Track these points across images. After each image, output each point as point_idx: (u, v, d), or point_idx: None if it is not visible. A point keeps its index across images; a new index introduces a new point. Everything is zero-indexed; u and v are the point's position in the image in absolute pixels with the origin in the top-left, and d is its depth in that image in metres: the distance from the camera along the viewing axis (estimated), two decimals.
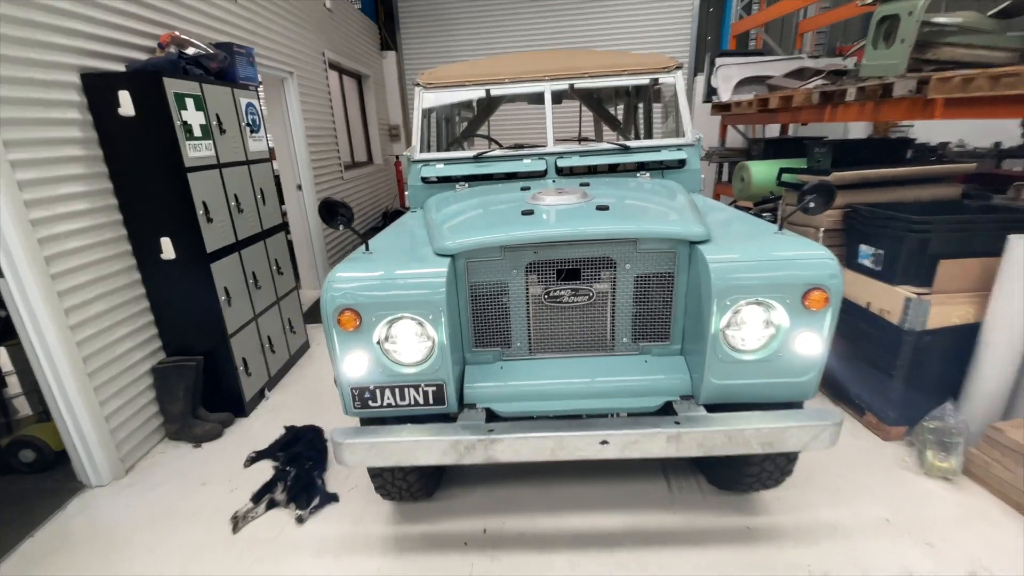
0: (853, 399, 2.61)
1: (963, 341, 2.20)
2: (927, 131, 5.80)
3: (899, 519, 1.92)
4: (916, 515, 1.94)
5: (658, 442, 1.49)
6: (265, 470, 2.36)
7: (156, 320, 2.61)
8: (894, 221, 2.28)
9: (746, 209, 4.24)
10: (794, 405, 1.66)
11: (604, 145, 2.51)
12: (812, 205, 1.58)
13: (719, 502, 2.03)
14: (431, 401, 1.58)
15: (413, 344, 1.55)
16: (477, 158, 2.49)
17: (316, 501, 2.10)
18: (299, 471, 2.22)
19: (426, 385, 1.57)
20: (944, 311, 2.17)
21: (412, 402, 1.59)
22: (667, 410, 1.65)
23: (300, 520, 2.03)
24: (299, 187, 4.62)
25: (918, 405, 2.28)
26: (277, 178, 6.04)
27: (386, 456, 1.54)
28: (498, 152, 2.51)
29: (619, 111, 3.95)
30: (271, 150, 3.41)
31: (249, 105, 2.97)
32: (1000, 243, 2.07)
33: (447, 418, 1.64)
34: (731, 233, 1.68)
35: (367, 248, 1.70)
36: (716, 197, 6.02)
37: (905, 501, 2.00)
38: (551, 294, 1.68)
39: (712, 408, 1.62)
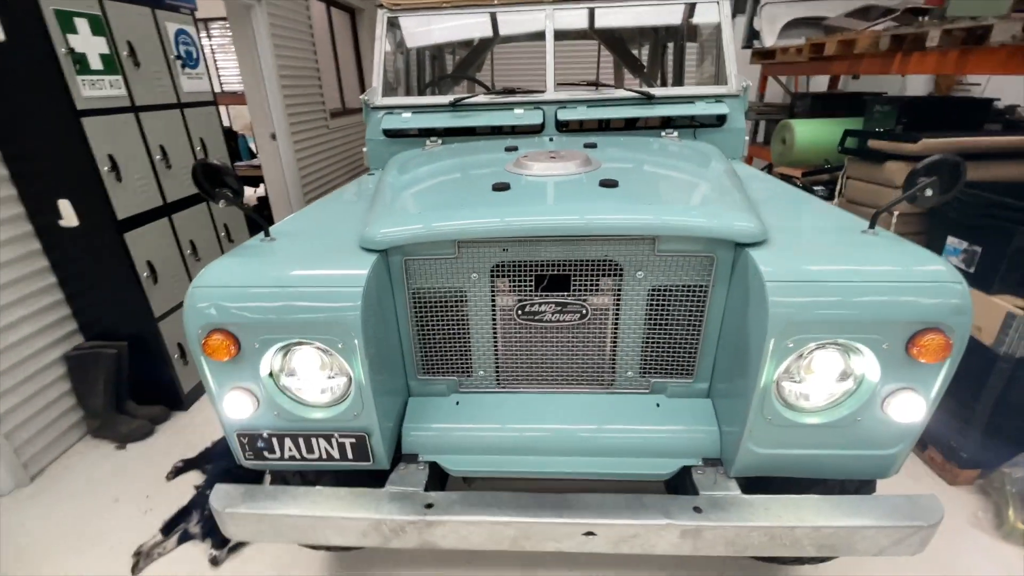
0: None
1: None
2: (991, 91, 4.97)
3: None
4: None
5: (667, 538, 1.03)
6: (190, 485, 1.97)
7: (68, 299, 2.17)
8: (1002, 209, 1.70)
9: (789, 179, 3.61)
10: (865, 483, 1.18)
11: (620, 93, 1.92)
12: (930, 192, 1.03)
13: (746, 565, 1.59)
14: (349, 456, 1.13)
15: (319, 380, 1.07)
16: (454, 105, 1.92)
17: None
18: None
19: (342, 436, 1.10)
20: None
21: (324, 456, 1.13)
22: (683, 479, 1.18)
23: (214, 562, 1.64)
24: (273, 136, 4.06)
25: (1000, 446, 1.79)
26: (228, 131, 5.40)
27: (282, 533, 1.10)
28: (481, 98, 1.94)
29: (645, 55, 3.27)
30: (231, 93, 2.88)
31: (181, 33, 2.40)
32: None
33: (377, 475, 1.19)
34: (795, 228, 1.14)
35: (266, 234, 1.19)
36: (749, 160, 5.31)
37: (968, 566, 1.55)
38: (527, 309, 1.18)
39: (748, 482, 1.14)
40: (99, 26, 1.95)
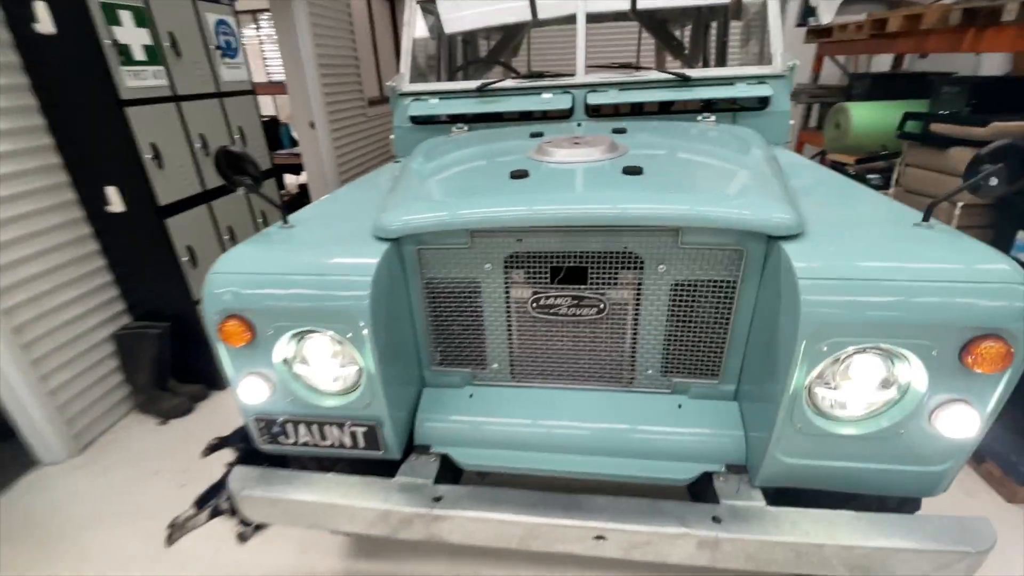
0: None
1: None
2: None
3: None
4: None
5: (683, 547, 0.98)
6: (222, 463, 2.06)
7: (117, 281, 2.29)
8: None
9: (842, 167, 3.37)
10: (907, 500, 1.08)
11: (653, 75, 1.82)
12: (995, 181, 0.91)
13: None
14: (361, 444, 1.13)
15: (331, 368, 1.07)
16: (481, 91, 1.88)
17: None
18: None
19: (353, 424, 1.10)
20: None
21: (336, 443, 1.14)
22: (704, 486, 1.11)
23: (242, 538, 1.70)
24: (312, 125, 4.15)
25: None
26: (273, 120, 5.54)
27: (294, 518, 1.12)
28: (508, 83, 1.89)
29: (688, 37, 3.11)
30: (278, 83, 2.94)
31: (221, 23, 2.46)
32: None
33: (390, 463, 1.18)
34: (838, 220, 1.04)
35: (285, 221, 1.20)
36: (800, 146, 5.01)
37: None
38: (542, 302, 1.14)
39: (776, 493, 1.07)
40: (142, 18, 2.02)
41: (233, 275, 1.02)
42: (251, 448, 1.99)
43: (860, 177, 2.87)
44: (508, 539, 1.03)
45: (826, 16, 4.40)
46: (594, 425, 1.17)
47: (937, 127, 2.01)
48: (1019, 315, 0.81)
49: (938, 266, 0.85)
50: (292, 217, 1.26)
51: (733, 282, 1.05)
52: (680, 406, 1.17)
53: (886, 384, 0.91)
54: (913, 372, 0.88)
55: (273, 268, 1.01)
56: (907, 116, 2.26)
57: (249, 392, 1.08)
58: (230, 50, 2.52)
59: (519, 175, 1.15)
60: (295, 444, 1.16)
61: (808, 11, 4.64)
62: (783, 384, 0.91)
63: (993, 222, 1.85)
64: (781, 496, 1.06)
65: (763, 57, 1.87)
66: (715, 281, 1.06)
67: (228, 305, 1.01)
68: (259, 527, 1.74)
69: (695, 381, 1.17)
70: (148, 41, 2.05)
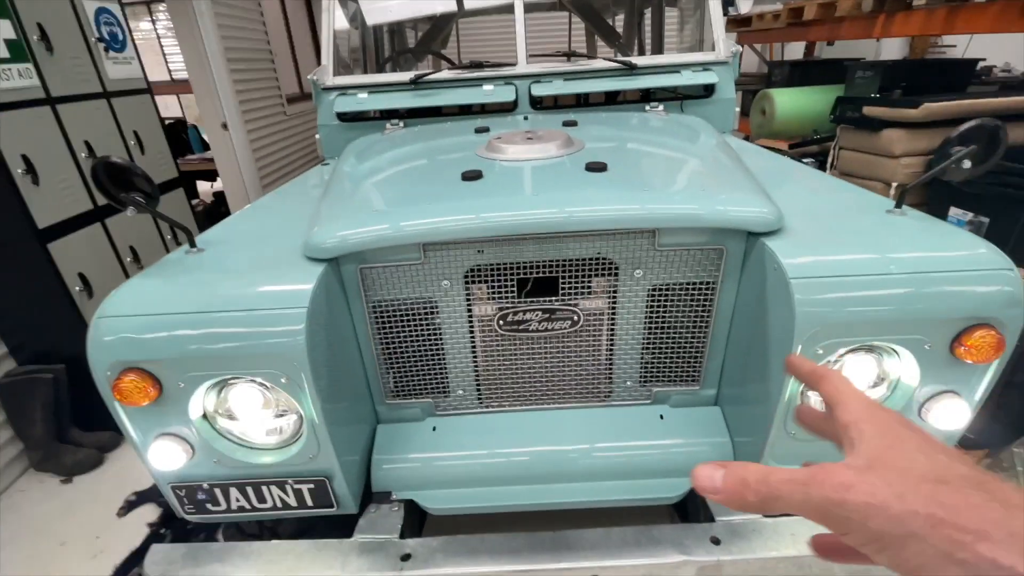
0: None
1: None
2: (966, 53, 4.94)
3: None
4: None
5: None
6: (144, 522, 1.78)
7: None
8: (1012, 176, 1.59)
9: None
10: None
11: (599, 64, 1.74)
12: (968, 164, 0.89)
13: None
14: (309, 503, 0.96)
15: (264, 420, 0.90)
16: (415, 83, 1.72)
17: None
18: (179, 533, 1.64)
19: (297, 482, 0.93)
20: None
21: (279, 504, 0.96)
22: (695, 500, 1.04)
23: None
24: (224, 126, 3.76)
25: (1008, 427, 1.72)
26: (179, 122, 5.05)
27: None
28: (445, 74, 1.74)
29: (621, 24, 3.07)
30: (182, 82, 2.60)
31: (103, 12, 2.12)
32: None
33: (346, 518, 1.02)
34: (810, 211, 0.99)
35: (192, 244, 0.99)
36: None
37: None
38: (509, 318, 1.01)
39: None
40: (2, 7, 1.68)
41: (127, 318, 0.82)
42: None
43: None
44: None
45: (744, 6, 4.55)
46: (573, 447, 1.06)
47: (870, 110, 2.07)
48: (1008, 302, 0.78)
49: (927, 255, 0.81)
50: (202, 238, 1.05)
51: (712, 283, 0.98)
52: (662, 416, 1.09)
53: (878, 381, 0.87)
54: (904, 367, 0.85)
55: (179, 306, 0.82)
56: (839, 101, 2.34)
57: (162, 458, 0.88)
58: (116, 43, 2.18)
59: (472, 176, 1.02)
60: (227, 511, 0.97)
61: (728, 0, 4.78)
62: (777, 391, 0.84)
63: (926, 200, 1.94)
64: None
65: (704, 44, 1.83)
66: (694, 283, 0.98)
67: (123, 356, 0.81)
68: None
69: (676, 388, 1.10)
70: (11, 34, 1.70)
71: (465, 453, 1.07)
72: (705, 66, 1.74)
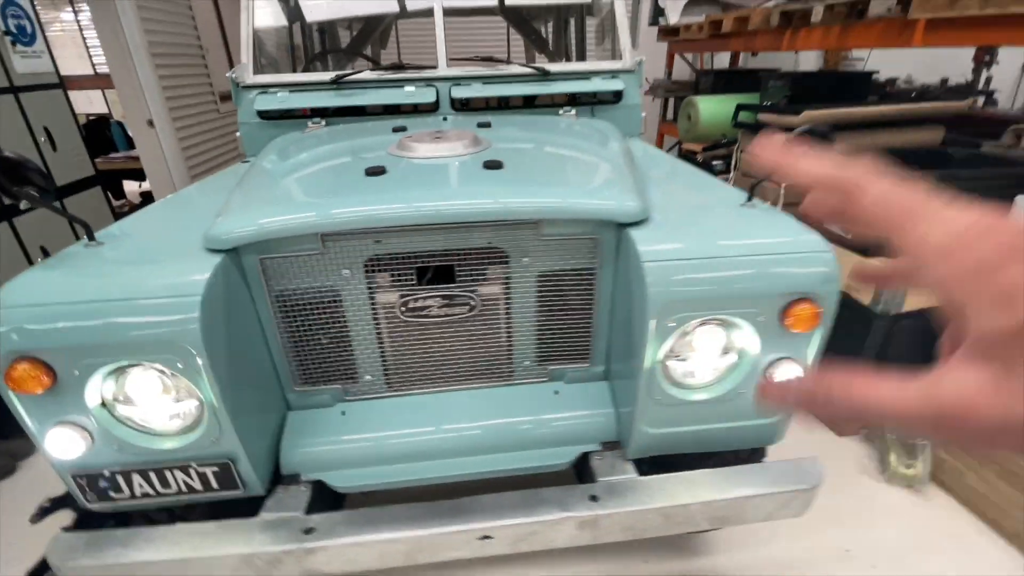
0: None
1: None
2: (874, 66, 5.43)
3: (862, 549, 1.59)
4: (879, 540, 1.61)
5: (565, 531, 1.00)
6: (58, 527, 1.72)
7: None
8: None
9: (692, 155, 3.72)
10: (756, 450, 1.21)
11: (515, 68, 1.84)
12: None
13: (653, 542, 1.62)
14: (214, 486, 0.99)
15: (164, 406, 0.93)
16: (336, 82, 1.76)
17: None
18: None
19: (201, 465, 0.97)
20: (927, 290, 1.77)
21: (183, 488, 0.99)
22: (585, 465, 1.15)
23: None
24: (150, 123, 3.62)
25: None
26: (102, 118, 4.87)
27: None
28: (367, 74, 1.79)
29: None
30: (106, 75, 2.49)
31: (9, 4, 2.03)
32: (1000, 204, 1.64)
33: (252, 502, 1.06)
34: (678, 205, 1.13)
35: (91, 237, 1.01)
36: (660, 138, 5.45)
37: (866, 522, 1.67)
38: (411, 305, 1.09)
39: (647, 463, 1.13)
40: None
41: (18, 309, 0.83)
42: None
43: (706, 163, 3.18)
44: (393, 558, 0.98)
45: (673, 16, 4.81)
46: (477, 424, 1.15)
47: (763, 117, 2.28)
48: (823, 279, 0.93)
49: (760, 241, 0.95)
50: (104, 232, 1.07)
51: (592, 269, 1.09)
52: (557, 392, 1.20)
53: (727, 351, 1.01)
54: (747, 338, 0.98)
55: (71, 296, 0.84)
56: (739, 107, 2.55)
57: (60, 446, 0.90)
58: (24, 36, 2.10)
59: (375, 172, 1.09)
60: (131, 497, 0.99)
61: (659, 11, 5.04)
62: (640, 361, 0.96)
63: None
64: (651, 462, 1.13)
65: (615, 53, 1.97)
66: (576, 269, 1.09)
67: (15, 346, 0.82)
68: None
69: (569, 366, 1.21)
70: None
71: (373, 435, 1.13)
72: (613, 74, 1.87)
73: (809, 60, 5.98)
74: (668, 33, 4.82)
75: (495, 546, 0.99)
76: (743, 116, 2.54)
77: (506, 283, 1.09)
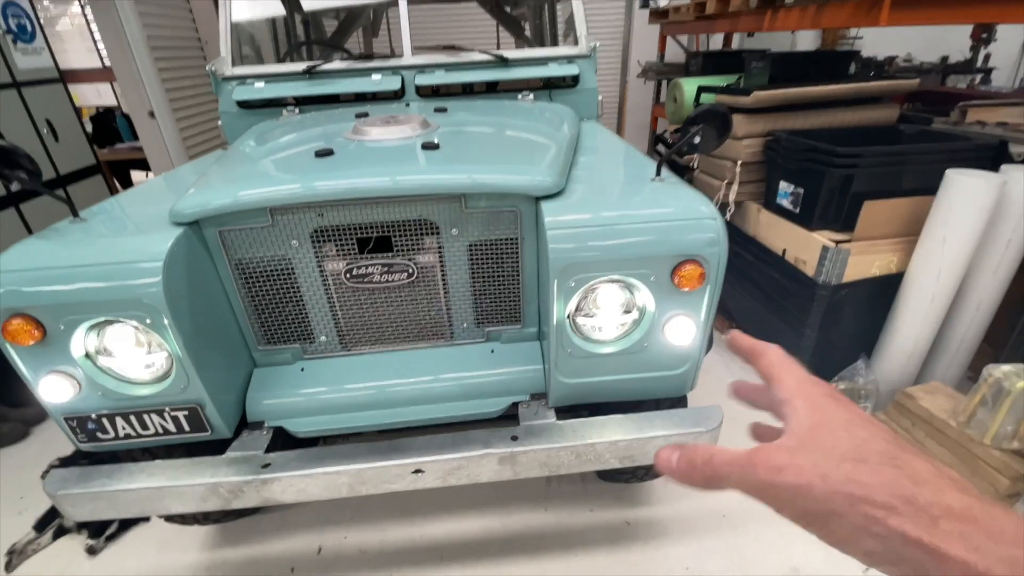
0: None
1: (885, 293, 1.93)
2: (874, 44, 5.39)
3: None
4: None
5: (488, 466, 1.14)
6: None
7: None
8: (814, 152, 1.90)
9: (662, 137, 3.77)
10: (676, 402, 1.34)
11: (475, 56, 1.95)
12: (698, 139, 1.15)
13: (599, 493, 1.77)
14: (186, 428, 1.15)
15: (139, 357, 1.09)
16: (308, 73, 1.89)
17: (115, 526, 1.70)
18: None
19: (173, 409, 1.13)
20: (864, 261, 1.87)
21: (160, 430, 1.16)
22: (515, 415, 1.29)
23: (92, 551, 1.64)
24: (151, 114, 3.79)
25: (829, 365, 2.05)
26: (108, 110, 5.03)
27: (123, 508, 1.13)
28: (337, 64, 1.92)
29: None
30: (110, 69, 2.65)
31: (10, 5, 2.19)
32: (937, 179, 1.73)
33: (222, 444, 1.22)
34: (596, 182, 1.25)
35: (75, 215, 1.17)
36: (654, 121, 5.50)
37: None
38: (355, 272, 1.23)
39: (572, 409, 1.27)
40: None
41: (11, 272, 0.99)
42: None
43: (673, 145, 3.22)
44: (338, 488, 1.14)
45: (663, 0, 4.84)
46: (420, 379, 1.29)
47: (720, 98, 2.36)
48: (708, 243, 1.04)
49: (653, 211, 1.07)
50: (87, 211, 1.22)
51: (515, 239, 1.22)
52: (492, 351, 1.33)
53: (629, 308, 1.13)
54: (644, 297, 1.10)
55: (55, 261, 1.00)
56: (700, 89, 2.62)
57: (52, 392, 1.06)
58: (25, 34, 2.25)
59: (324, 153, 1.22)
60: (115, 438, 1.16)
61: None
62: (551, 317, 1.09)
63: (766, 176, 2.25)
64: (575, 414, 1.26)
65: (574, 38, 2.07)
66: (501, 240, 1.22)
67: (8, 303, 0.98)
68: (111, 537, 1.68)
69: (503, 328, 1.34)
70: None
71: (328, 388, 1.28)
72: (570, 59, 1.97)
73: (807, 40, 5.94)
74: (659, 16, 4.84)
75: (426, 479, 1.14)
76: (704, 98, 2.61)
77: (439, 252, 1.23)
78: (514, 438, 1.15)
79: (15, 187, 1.06)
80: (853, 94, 2.20)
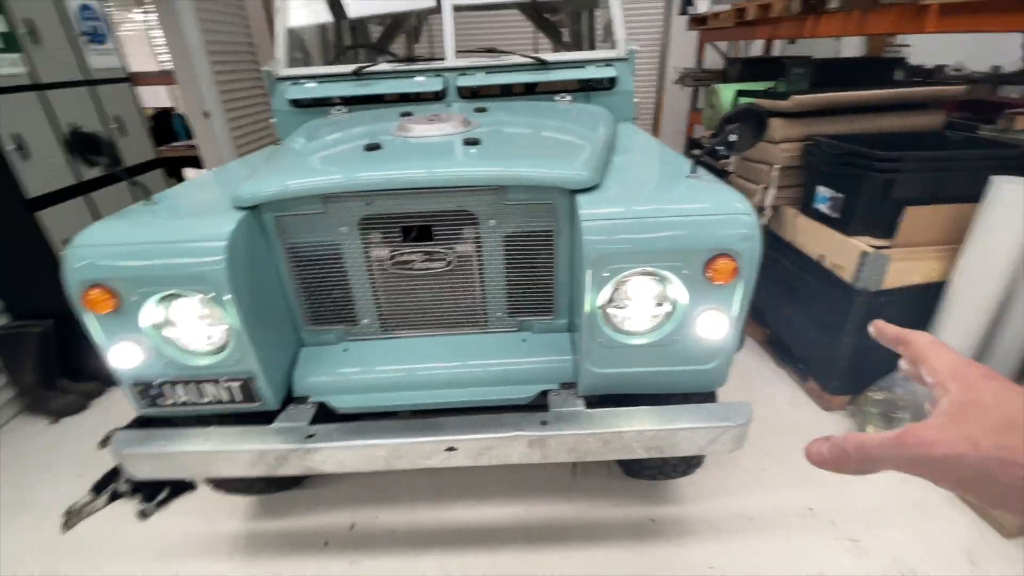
0: (797, 363, 2.34)
1: (926, 301, 1.88)
2: (921, 53, 5.21)
3: (825, 508, 1.69)
4: (845, 504, 1.71)
5: (518, 447, 1.18)
6: None
7: None
8: (854, 157, 1.88)
9: (697, 142, 3.76)
10: (706, 397, 1.35)
11: (515, 59, 2.01)
12: (734, 138, 1.17)
13: (625, 489, 1.78)
14: (238, 398, 1.24)
15: (200, 329, 1.18)
16: (357, 74, 1.99)
17: (165, 492, 1.82)
18: None
19: (228, 380, 1.21)
20: (905, 268, 1.83)
21: (214, 399, 1.24)
22: (543, 402, 1.33)
23: (143, 515, 1.75)
24: (206, 114, 4.02)
25: (867, 373, 2.01)
26: (165, 111, 5.31)
27: (179, 468, 1.22)
28: (383, 66, 2.01)
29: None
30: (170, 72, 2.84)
31: (85, 8, 2.38)
32: (981, 186, 1.69)
33: (269, 416, 1.30)
34: (632, 178, 1.28)
35: (149, 198, 1.27)
36: (690, 127, 5.47)
37: (836, 486, 1.77)
38: (397, 259, 1.30)
39: (601, 400, 1.30)
40: None
41: (93, 247, 1.10)
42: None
43: (711, 150, 3.21)
44: (375, 462, 1.20)
45: (702, 5, 4.82)
46: (454, 363, 1.34)
47: (760, 102, 2.35)
48: (742, 238, 1.06)
49: (687, 205, 1.09)
50: (159, 195, 1.33)
51: (551, 231, 1.26)
52: (524, 340, 1.38)
53: (662, 301, 1.16)
54: (677, 290, 1.13)
55: (132, 239, 1.10)
56: (739, 94, 2.61)
57: (122, 357, 1.16)
58: (98, 36, 2.44)
59: (372, 148, 1.30)
60: (175, 405, 1.25)
61: (688, 0, 5.04)
62: (584, 308, 1.12)
63: (804, 181, 2.22)
64: (601, 404, 1.29)
65: (613, 42, 2.10)
66: (537, 231, 1.26)
67: (90, 275, 1.08)
68: (161, 503, 1.80)
69: (536, 319, 1.39)
70: (3, 28, 1.97)
71: (368, 368, 1.35)
72: (608, 62, 2.01)
73: (852, 46, 5.79)
74: (697, 22, 4.82)
75: (458, 457, 1.19)
76: (742, 103, 2.61)
77: (477, 242, 1.28)
78: (543, 423, 1.19)
79: (97, 171, 1.17)
80: (897, 99, 2.16)
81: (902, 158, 1.75)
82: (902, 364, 0.46)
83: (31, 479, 1.96)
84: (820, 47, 5.93)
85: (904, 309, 1.90)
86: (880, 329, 0.47)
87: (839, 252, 1.96)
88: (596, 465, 1.89)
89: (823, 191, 2.05)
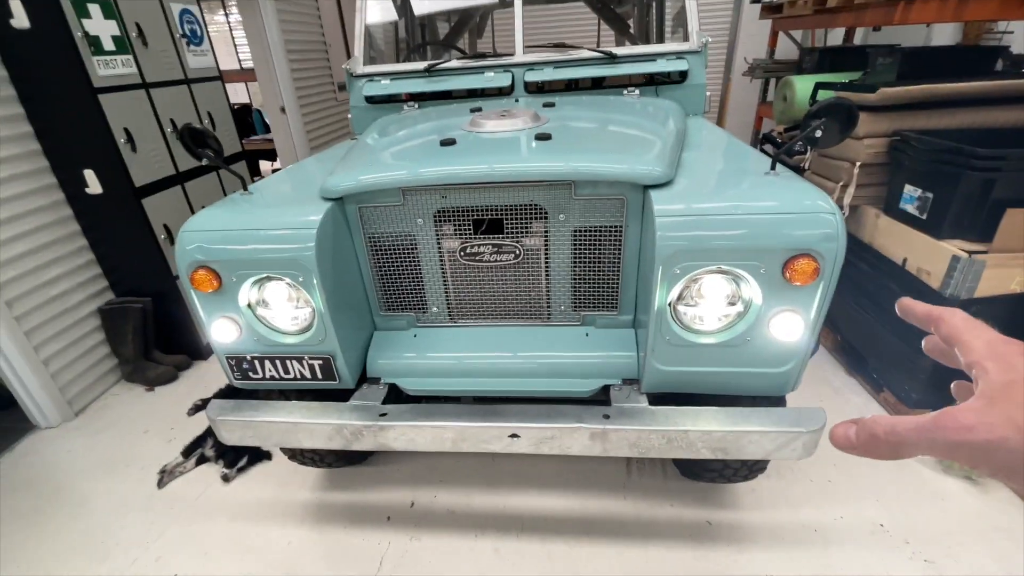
0: (871, 372, 2.21)
1: (1022, 313, 1.74)
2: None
3: (897, 525, 1.60)
4: (920, 522, 1.61)
5: (579, 439, 1.20)
6: (206, 419, 2.25)
7: (99, 260, 2.45)
8: (950, 154, 1.74)
9: (770, 137, 3.59)
10: (775, 401, 1.32)
11: (584, 53, 2.01)
12: (820, 133, 1.13)
13: (681, 490, 1.76)
14: (319, 376, 1.33)
15: (288, 310, 1.27)
16: (428, 71, 2.06)
17: (245, 459, 1.98)
18: None
19: (311, 358, 1.31)
20: (1002, 275, 1.69)
21: (297, 376, 1.34)
22: (605, 397, 1.34)
23: (226, 479, 1.92)
24: (283, 110, 4.26)
25: (946, 387, 1.87)
26: (244, 107, 5.60)
27: (264, 437, 1.33)
28: (454, 63, 2.07)
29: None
30: (249, 70, 3.06)
31: (185, 12, 2.58)
32: None
33: (344, 394, 1.39)
34: (706, 174, 1.26)
35: (245, 188, 1.39)
36: (758, 121, 5.23)
37: (911, 503, 1.67)
38: (468, 251, 1.34)
39: (664, 398, 1.30)
40: (110, 10, 2.15)
41: (200, 232, 1.21)
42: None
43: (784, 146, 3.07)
44: (442, 442, 1.25)
45: None
46: (519, 354, 1.38)
47: (842, 94, 2.22)
48: (824, 238, 1.03)
49: (766, 203, 1.07)
50: (252, 186, 1.44)
51: (619, 226, 1.26)
52: (587, 335, 1.39)
53: (734, 300, 1.14)
54: (752, 289, 1.11)
55: (233, 225, 1.20)
56: (818, 86, 2.48)
57: (220, 333, 1.28)
58: (195, 38, 2.65)
59: (447, 143, 1.35)
60: (263, 379, 1.36)
61: None
62: (652, 305, 1.13)
63: (887, 179, 2.09)
64: (664, 401, 1.28)
65: (685, 34, 2.06)
66: (606, 226, 1.27)
67: (197, 257, 1.20)
68: (241, 469, 1.95)
69: (599, 314, 1.39)
70: (116, 32, 2.18)
71: (437, 354, 1.41)
72: (679, 55, 1.97)
73: (944, 34, 5.34)
74: (771, 10, 4.60)
75: (521, 444, 1.22)
76: (822, 95, 2.47)
77: (545, 236, 1.31)
78: (606, 416, 1.20)
79: (204, 161, 1.29)
80: (998, 92, 1.98)
81: (1006, 156, 1.61)
82: (926, 344, 0.44)
83: (132, 440, 2.19)
84: (908, 35, 5.50)
85: (1000, 320, 1.76)
86: (907, 307, 0.43)
87: (926, 256, 1.84)
88: (651, 465, 1.88)
89: (910, 190, 1.92)
